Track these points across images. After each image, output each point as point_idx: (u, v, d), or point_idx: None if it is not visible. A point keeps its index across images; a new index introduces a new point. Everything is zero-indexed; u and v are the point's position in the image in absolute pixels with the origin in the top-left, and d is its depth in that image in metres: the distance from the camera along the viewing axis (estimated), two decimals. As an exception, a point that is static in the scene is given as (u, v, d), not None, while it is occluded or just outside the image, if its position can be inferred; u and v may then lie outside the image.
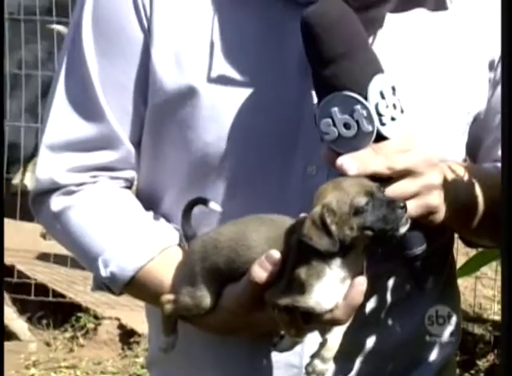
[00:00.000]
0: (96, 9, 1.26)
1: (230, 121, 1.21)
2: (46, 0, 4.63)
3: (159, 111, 1.25)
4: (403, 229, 1.05)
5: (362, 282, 1.08)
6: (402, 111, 1.09)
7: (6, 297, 3.91)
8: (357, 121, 1.07)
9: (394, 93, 1.09)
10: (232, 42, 1.22)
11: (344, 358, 1.23)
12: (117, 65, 1.25)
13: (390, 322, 1.30)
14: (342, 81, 1.08)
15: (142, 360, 3.48)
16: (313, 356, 1.12)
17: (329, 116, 1.08)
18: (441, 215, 1.15)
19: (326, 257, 1.05)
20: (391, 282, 1.28)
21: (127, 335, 3.64)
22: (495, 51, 1.26)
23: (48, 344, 3.72)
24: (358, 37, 1.10)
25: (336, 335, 1.12)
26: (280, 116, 1.21)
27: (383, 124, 1.08)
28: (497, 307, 3.46)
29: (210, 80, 1.22)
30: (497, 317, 3.33)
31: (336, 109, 1.07)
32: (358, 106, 1.07)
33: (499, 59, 1.26)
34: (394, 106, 1.09)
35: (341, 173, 1.07)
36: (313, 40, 1.09)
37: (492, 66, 1.27)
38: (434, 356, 1.36)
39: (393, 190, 1.08)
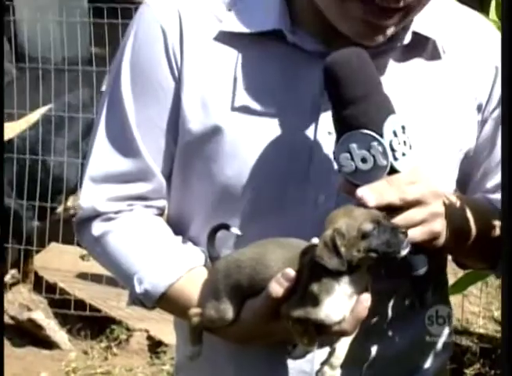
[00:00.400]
0: (134, 60, 1.26)
1: (249, 156, 1.21)
2: (87, 52, 4.67)
3: (187, 149, 1.26)
4: (404, 252, 1.05)
5: (366, 298, 1.08)
6: (410, 147, 1.09)
7: (49, 311, 3.92)
8: (373, 156, 1.07)
9: (404, 131, 1.09)
10: (251, 86, 1.23)
11: (350, 364, 1.21)
12: (151, 109, 1.26)
13: (392, 333, 1.30)
14: (360, 120, 1.08)
15: (168, 368, 3.47)
16: (323, 364, 1.12)
17: (348, 151, 1.08)
18: (442, 239, 1.15)
19: (335, 275, 1.05)
20: (393, 298, 1.28)
21: (155, 345, 3.63)
22: (482, 96, 1.26)
23: (85, 352, 3.71)
24: (373, 81, 1.11)
25: (343, 345, 1.12)
26: (294, 152, 1.21)
27: (395, 159, 1.08)
28: (482, 321, 3.45)
29: (232, 119, 1.22)
30: (482, 330, 3.32)
31: (354, 145, 1.07)
32: (375, 143, 1.07)
33: (486, 102, 1.27)
34: (405, 143, 1.09)
35: (359, 203, 1.07)
36: (335, 84, 1.09)
37: (479, 109, 1.27)
38: (430, 363, 1.36)
39: (403, 218, 1.08)
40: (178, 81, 1.24)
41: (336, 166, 1.11)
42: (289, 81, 1.22)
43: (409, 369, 1.34)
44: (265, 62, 1.23)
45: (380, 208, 1.07)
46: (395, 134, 1.08)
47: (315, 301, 1.06)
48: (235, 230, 1.21)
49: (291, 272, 1.08)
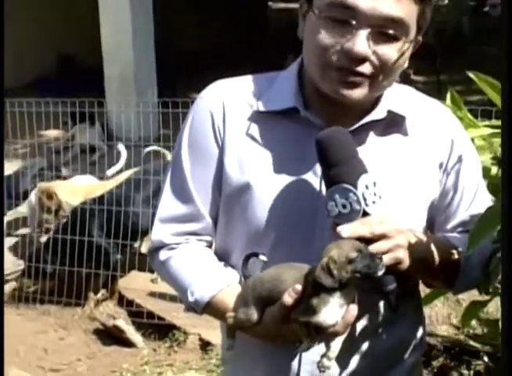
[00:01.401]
0: (191, 136, 1.29)
1: (272, 204, 1.22)
2: (157, 133, 4.74)
3: (228, 199, 1.26)
4: (380, 273, 1.05)
5: (354, 308, 1.08)
6: (380, 197, 1.10)
7: (128, 320, 3.90)
8: (350, 203, 1.08)
9: (374, 186, 1.10)
10: (274, 152, 1.24)
11: (347, 358, 1.23)
12: (202, 169, 1.27)
13: (382, 333, 1.29)
14: (341, 178, 1.09)
15: (214, 361, 3.43)
16: (322, 356, 1.12)
17: (333, 200, 1.09)
18: (405, 265, 1.14)
19: (330, 290, 1.06)
20: (381, 307, 1.27)
21: (205, 345, 3.59)
22: (443, 158, 1.26)
23: (154, 350, 3.68)
24: (351, 150, 1.12)
25: (337, 342, 1.12)
26: (305, 200, 1.21)
27: (367, 205, 1.09)
28: (444, 327, 3.41)
29: (260, 178, 1.23)
30: (444, 333, 3.28)
31: (337, 195, 1.09)
32: (351, 194, 1.08)
33: (447, 161, 1.27)
34: (375, 194, 1.10)
35: (339, 236, 1.08)
36: (324, 153, 1.11)
37: (441, 167, 1.26)
38: (409, 356, 1.34)
39: (373, 248, 1.08)
40: (222, 150, 1.26)
41: (326, 213, 1.12)
42: (301, 148, 1.22)
43: (394, 361, 1.32)
44: (284, 133, 1.23)
45: (356, 239, 1.08)
46: (367, 187, 1.09)
47: (315, 310, 1.07)
48: (262, 257, 1.21)
49: (299, 287, 1.09)
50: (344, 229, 1.08)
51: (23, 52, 9.09)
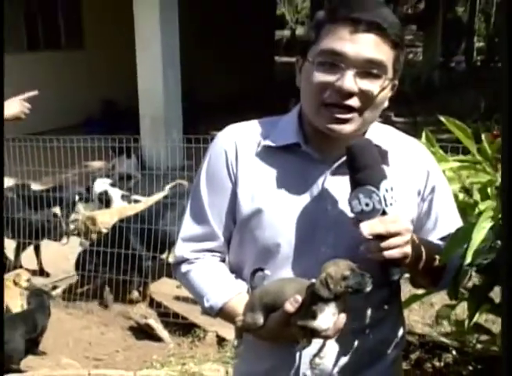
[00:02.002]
0: (208, 169, 1.28)
1: (279, 225, 1.20)
2: (181, 163, 4.76)
3: (240, 223, 1.24)
4: (368, 289, 1.04)
5: (343, 317, 1.07)
6: (395, 201, 1.08)
7: (158, 319, 3.87)
8: (373, 203, 1.06)
9: (392, 190, 1.08)
10: (280, 182, 1.22)
11: (338, 354, 1.21)
12: (217, 198, 1.26)
13: (367, 334, 1.27)
14: (366, 180, 1.08)
15: (229, 354, 3.39)
16: (314, 356, 1.12)
17: (358, 198, 1.07)
18: (409, 259, 1.12)
19: (326, 301, 1.05)
20: (368, 311, 1.25)
21: (221, 340, 3.55)
22: (420, 186, 1.25)
23: (179, 344, 3.64)
24: (376, 157, 1.11)
25: (328, 344, 1.11)
26: (306, 221, 1.19)
27: (386, 206, 1.07)
28: (420, 325, 3.37)
29: (268, 205, 1.21)
30: (420, 331, 3.24)
31: (361, 195, 1.07)
32: (374, 195, 1.06)
33: (423, 189, 1.25)
34: (392, 197, 1.08)
35: (360, 235, 1.06)
36: (353, 159, 1.09)
37: (419, 194, 1.25)
38: (391, 352, 1.31)
39: (387, 244, 1.06)
40: (234, 183, 1.24)
41: (349, 209, 1.10)
42: (303, 178, 1.21)
43: (379, 356, 1.30)
44: (287, 165, 1.22)
45: (373, 236, 1.06)
46: (387, 191, 1.08)
47: (313, 316, 1.06)
48: (267, 272, 1.20)
49: (299, 297, 1.08)
50: (365, 228, 1.06)
51: (74, 98, 9.22)
